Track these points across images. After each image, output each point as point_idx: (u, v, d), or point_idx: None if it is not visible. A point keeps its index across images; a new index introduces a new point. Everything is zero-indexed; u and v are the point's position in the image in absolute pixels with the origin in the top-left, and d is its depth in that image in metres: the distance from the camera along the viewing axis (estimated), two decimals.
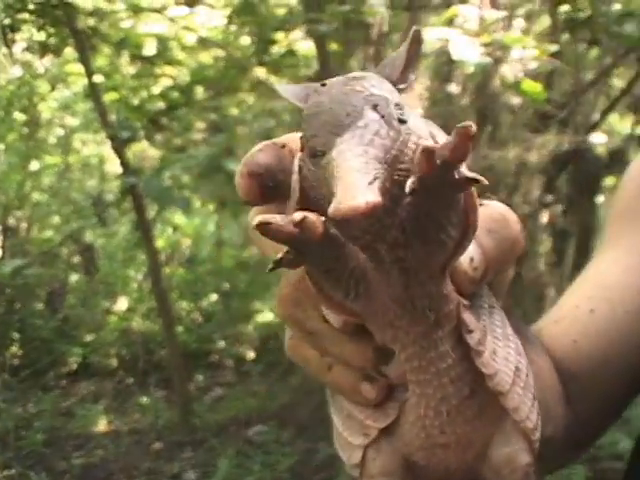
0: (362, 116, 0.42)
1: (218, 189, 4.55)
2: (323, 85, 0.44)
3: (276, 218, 0.40)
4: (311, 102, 0.44)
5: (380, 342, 0.49)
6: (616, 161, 3.82)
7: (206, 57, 4.45)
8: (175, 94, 4.32)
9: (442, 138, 0.45)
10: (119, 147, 3.82)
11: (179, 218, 5.84)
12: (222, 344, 5.38)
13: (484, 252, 0.49)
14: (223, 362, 5.22)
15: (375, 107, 0.42)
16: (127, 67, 4.58)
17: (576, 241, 4.21)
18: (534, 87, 2.74)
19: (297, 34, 4.15)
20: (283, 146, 0.50)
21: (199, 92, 4.53)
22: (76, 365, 5.00)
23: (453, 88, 3.55)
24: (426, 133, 0.44)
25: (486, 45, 2.78)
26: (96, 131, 5.08)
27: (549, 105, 3.19)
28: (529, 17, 3.31)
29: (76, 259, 5.82)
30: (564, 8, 2.99)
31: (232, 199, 4.50)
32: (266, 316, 5.64)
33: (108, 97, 4.14)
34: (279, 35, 4.07)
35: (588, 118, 3.69)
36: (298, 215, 0.40)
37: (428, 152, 0.39)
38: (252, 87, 4.39)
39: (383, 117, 0.42)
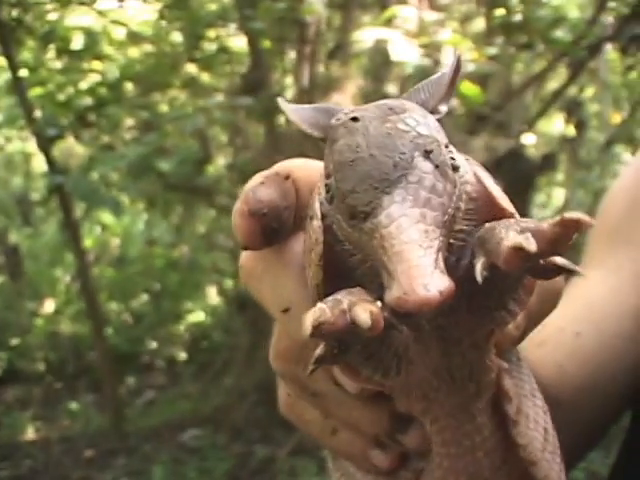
0: (413, 166, 0.35)
1: (148, 188, 4.45)
2: (354, 120, 0.37)
3: (327, 313, 0.33)
4: (343, 143, 0.36)
5: (405, 412, 0.44)
6: (548, 162, 3.88)
7: (136, 52, 4.35)
8: (104, 90, 4.20)
9: (487, 179, 0.40)
10: (45, 144, 3.69)
11: (108, 217, 5.70)
12: (153, 345, 5.30)
13: (528, 309, 0.44)
14: (154, 364, 5.13)
15: (427, 154, 0.35)
16: (53, 61, 4.43)
17: None
18: (472, 89, 2.75)
19: (230, 30, 4.10)
20: (287, 177, 0.43)
21: (129, 88, 4.42)
22: (1, 371, 4.84)
23: (390, 89, 3.55)
24: (472, 177, 0.39)
25: (425, 46, 2.79)
26: (21, 127, 4.90)
27: (484, 107, 3.21)
28: (465, 20, 3.34)
29: (0, 260, 5.65)
30: (499, 12, 3.02)
31: (162, 198, 4.43)
32: (197, 316, 5.58)
33: (33, 92, 3.99)
34: (211, 31, 4.01)
35: (521, 120, 3.74)
36: (363, 313, 0.32)
37: (520, 251, 0.32)
38: (183, 84, 4.30)
39: (437, 167, 0.35)
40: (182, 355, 5.18)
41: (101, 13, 3.86)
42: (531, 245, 0.32)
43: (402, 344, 0.40)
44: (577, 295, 0.83)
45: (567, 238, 0.32)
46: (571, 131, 4.22)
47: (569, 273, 0.35)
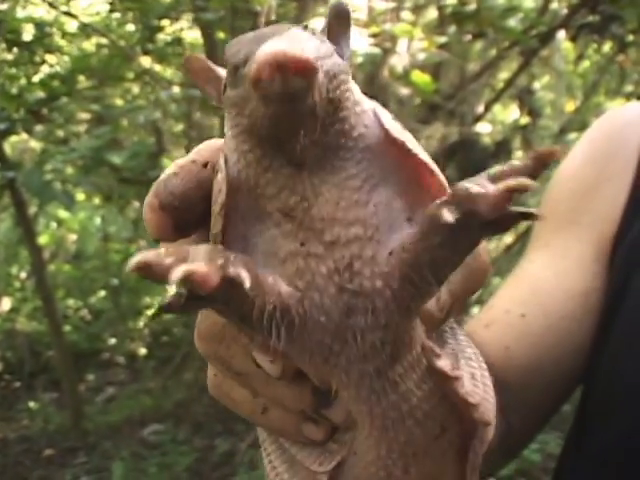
0: (288, 29, 0.36)
1: (103, 182, 4.40)
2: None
3: (158, 258, 0.33)
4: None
5: (321, 384, 0.43)
6: (501, 150, 3.93)
7: (88, 45, 4.28)
8: (56, 83, 4.14)
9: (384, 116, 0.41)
10: None
11: (63, 212, 5.63)
12: (113, 341, 5.26)
13: (452, 289, 0.45)
14: (114, 360, 5.08)
15: (305, 27, 0.38)
16: (3, 53, 4.35)
17: None
18: (423, 78, 2.77)
19: (183, 22, 4.06)
20: (205, 164, 0.42)
21: (81, 81, 4.35)
22: None
23: None
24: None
25: (375, 36, 2.79)
26: None
27: (437, 96, 3.24)
28: (417, 9, 3.35)
29: None
30: (451, 1, 3.04)
31: (118, 192, 4.38)
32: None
33: None
34: (165, 23, 3.97)
35: (474, 109, 3.78)
36: (178, 271, 0.32)
37: (510, 193, 0.34)
38: (137, 76, 4.26)
39: (314, 34, 0.37)
40: (142, 351, 5.15)
41: (51, 5, 3.79)
42: (527, 182, 0.33)
43: (280, 306, 0.38)
44: (523, 277, 0.84)
45: (540, 172, 0.34)
46: (524, 119, 4.26)
47: (529, 218, 0.35)
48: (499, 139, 4.05)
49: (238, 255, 0.37)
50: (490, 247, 5.12)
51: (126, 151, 3.87)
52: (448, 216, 0.35)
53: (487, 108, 3.83)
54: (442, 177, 0.42)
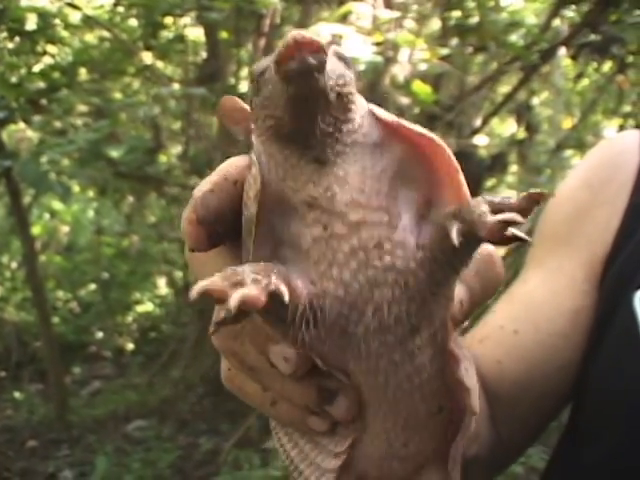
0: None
1: (98, 175, 4.40)
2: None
3: (216, 284, 0.38)
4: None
5: (335, 367, 0.47)
6: (497, 163, 3.94)
7: (91, 37, 4.28)
8: (56, 74, 4.13)
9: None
10: None
11: (57, 204, 5.63)
12: (100, 335, 5.26)
13: (472, 295, 0.49)
14: (101, 354, 5.09)
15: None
16: (5, 42, 4.34)
17: None
18: (424, 88, 2.79)
19: (187, 20, 4.07)
20: (235, 182, 0.46)
21: (82, 74, 4.35)
22: None
23: None
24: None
25: (378, 44, 2.81)
26: None
27: (436, 107, 3.25)
28: (420, 20, 3.38)
29: None
30: (455, 14, 3.06)
31: (113, 186, 4.38)
32: (146, 307, 5.55)
33: None
34: (168, 19, 3.97)
35: (472, 121, 3.81)
36: (235, 297, 0.38)
37: (505, 224, 0.39)
38: (138, 71, 4.26)
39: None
40: (129, 346, 5.16)
41: None
42: (519, 219, 0.39)
43: (311, 302, 0.43)
44: (517, 295, 0.87)
45: (531, 210, 0.40)
46: (522, 134, 4.28)
47: (521, 241, 0.40)
48: (496, 152, 4.07)
49: (276, 268, 0.42)
50: None
51: (124, 145, 3.88)
52: (454, 238, 0.40)
53: (485, 121, 3.85)
54: (447, 151, 0.46)
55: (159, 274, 5.55)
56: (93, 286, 5.63)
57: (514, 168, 4.81)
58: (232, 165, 0.47)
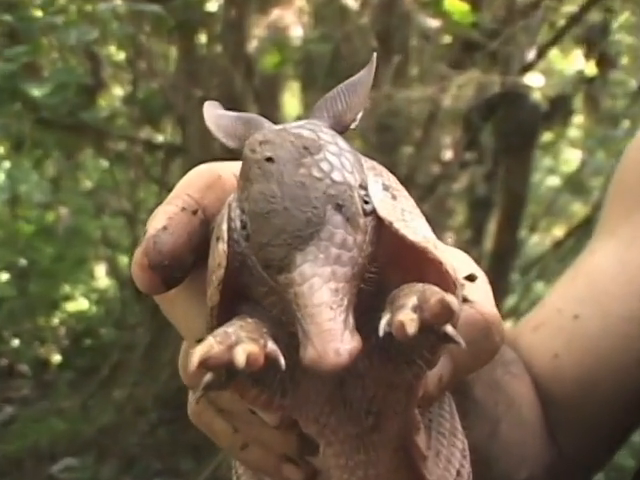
0: (324, 222, 0.47)
1: (12, 123, 4.39)
2: (269, 161, 0.49)
3: (214, 348, 0.45)
4: (257, 190, 0.48)
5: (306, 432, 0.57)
6: (558, 110, 3.97)
7: None
8: None
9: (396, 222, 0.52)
10: None
11: None
12: (16, 343, 5.26)
13: (455, 368, 0.56)
14: (17, 369, 5.09)
15: (339, 207, 0.48)
16: None
17: (500, 214, 4.36)
18: (459, 6, 2.81)
19: None
20: (195, 212, 0.53)
21: None
22: None
23: (349, 1, 3.58)
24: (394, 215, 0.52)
25: None
26: None
27: (475, 32, 3.25)
28: None
29: None
30: None
31: (33, 138, 4.35)
32: (79, 304, 5.57)
33: None
34: None
35: (524, 53, 3.79)
36: (240, 353, 0.45)
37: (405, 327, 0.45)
38: None
39: (348, 220, 0.48)
40: (56, 357, 5.17)
41: None
42: (410, 329, 0.45)
43: (289, 370, 0.50)
44: (581, 271, 0.91)
45: (448, 319, 0.45)
46: (592, 70, 4.24)
47: (454, 343, 0.47)
48: (556, 95, 4.06)
49: (265, 328, 0.50)
50: (535, 241, 5.13)
51: (48, 82, 3.85)
52: (380, 329, 0.48)
53: (542, 53, 3.83)
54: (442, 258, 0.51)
55: (97, 260, 5.54)
56: (5, 276, 5.61)
57: (580, 118, 4.82)
58: (192, 187, 0.55)
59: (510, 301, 4.49)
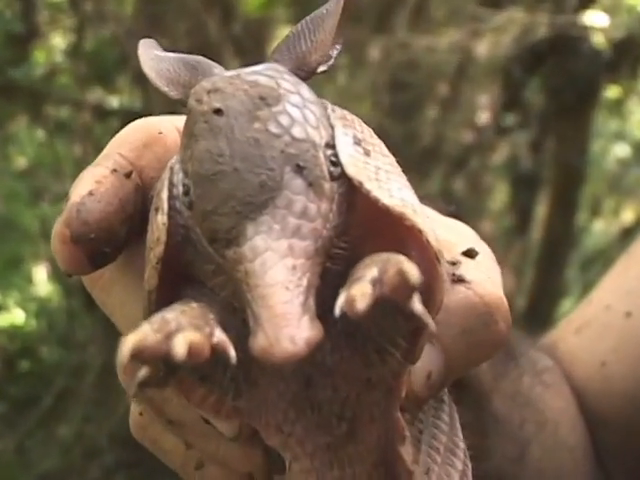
0: (282, 186, 0.49)
1: None
2: (218, 112, 0.50)
3: (149, 337, 0.46)
4: (203, 148, 0.50)
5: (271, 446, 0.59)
6: (625, 58, 3.93)
7: None
8: None
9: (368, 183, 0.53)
10: None
11: None
12: None
13: (448, 362, 0.57)
14: None
15: (300, 169, 0.50)
16: None
17: (551, 192, 4.38)
18: None
19: None
20: (129, 174, 0.55)
21: None
22: None
23: None
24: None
25: None
26: None
27: None
28: None
29: None
30: None
31: None
32: (12, 316, 5.56)
33: None
34: None
35: None
36: (180, 342, 0.45)
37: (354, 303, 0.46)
38: None
39: (310, 185, 0.50)
40: None
41: None
42: (360, 305, 0.45)
43: (242, 361, 0.51)
44: (635, 260, 0.93)
45: (409, 294, 0.46)
46: None
47: (422, 325, 0.48)
48: (622, 39, 4.03)
49: (211, 314, 0.51)
50: (598, 229, 5.20)
51: None
52: (336, 308, 0.48)
53: None
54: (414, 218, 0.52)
55: (35, 259, 5.59)
56: None
57: None
58: (124, 144, 0.56)
59: (567, 304, 4.50)
